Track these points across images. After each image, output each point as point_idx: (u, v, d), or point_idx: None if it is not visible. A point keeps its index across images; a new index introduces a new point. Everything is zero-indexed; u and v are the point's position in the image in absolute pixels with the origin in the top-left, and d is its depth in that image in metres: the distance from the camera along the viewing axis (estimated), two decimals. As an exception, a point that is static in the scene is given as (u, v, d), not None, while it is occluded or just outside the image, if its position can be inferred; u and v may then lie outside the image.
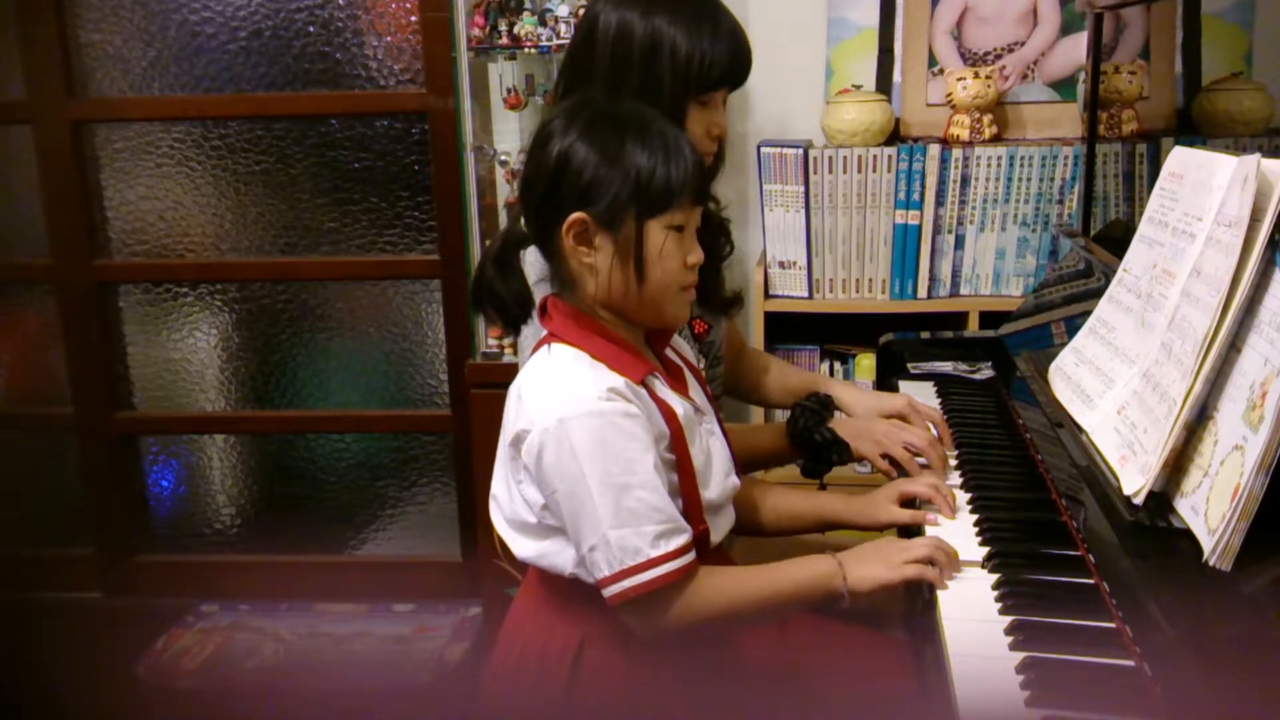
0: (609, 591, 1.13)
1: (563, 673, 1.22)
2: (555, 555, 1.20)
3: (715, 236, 1.54)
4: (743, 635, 1.31)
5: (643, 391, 1.18)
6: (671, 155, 1.17)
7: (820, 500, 1.43)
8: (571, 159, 1.16)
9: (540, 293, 1.28)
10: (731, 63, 1.41)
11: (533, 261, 1.32)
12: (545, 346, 1.22)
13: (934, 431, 1.54)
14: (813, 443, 1.49)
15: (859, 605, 1.20)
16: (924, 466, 1.45)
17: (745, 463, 1.50)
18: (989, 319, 2.14)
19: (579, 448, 1.12)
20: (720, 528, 1.28)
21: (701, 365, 1.54)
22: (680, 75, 1.38)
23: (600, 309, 1.21)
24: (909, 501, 1.37)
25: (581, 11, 2.26)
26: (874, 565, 1.18)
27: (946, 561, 1.17)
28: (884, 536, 1.30)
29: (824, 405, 1.52)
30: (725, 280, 1.58)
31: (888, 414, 1.58)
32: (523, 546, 1.23)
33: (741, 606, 1.19)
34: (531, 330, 1.30)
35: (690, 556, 1.15)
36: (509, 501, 1.23)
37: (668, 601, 1.14)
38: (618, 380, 1.16)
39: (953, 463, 1.49)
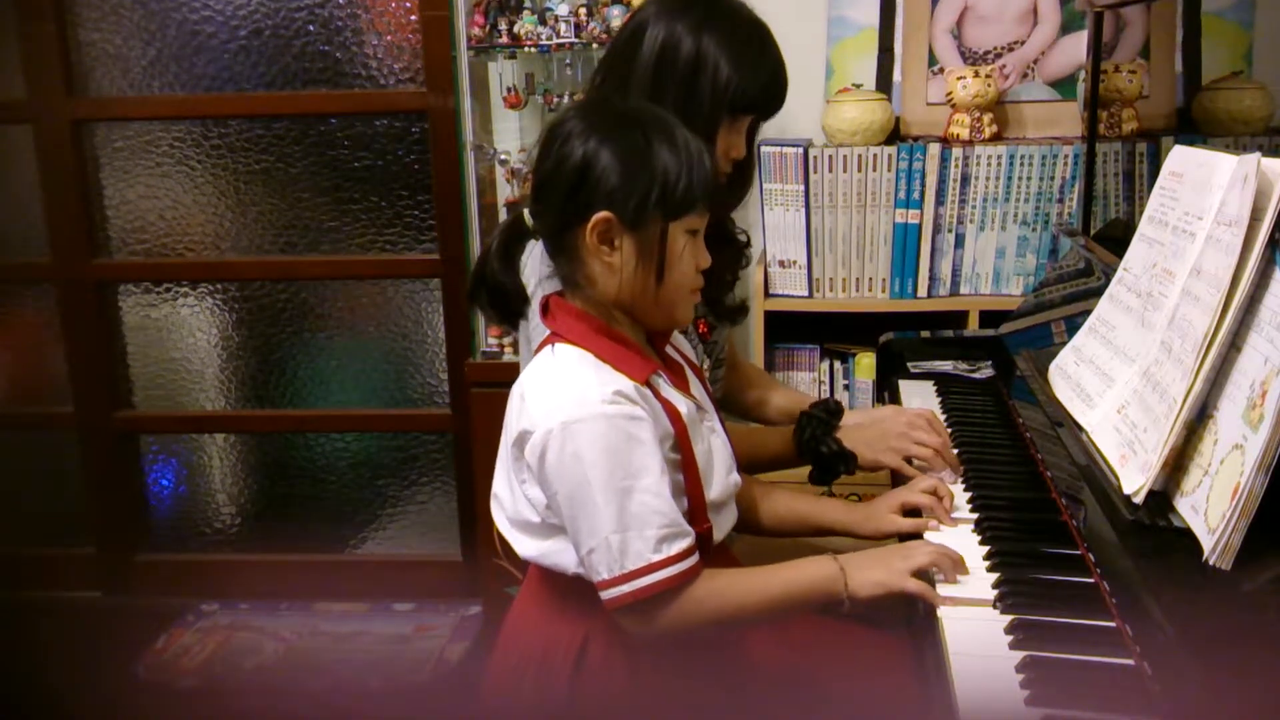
0: (608, 594, 1.13)
1: (566, 670, 1.22)
2: (559, 554, 1.20)
3: (732, 258, 1.54)
4: (744, 634, 1.31)
5: (648, 392, 1.18)
6: (694, 161, 1.17)
7: (821, 507, 1.43)
8: (599, 159, 1.15)
9: (545, 291, 1.28)
10: (767, 93, 1.43)
11: (536, 259, 1.31)
12: (549, 347, 1.21)
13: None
14: (819, 454, 1.48)
15: (859, 609, 1.20)
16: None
17: (751, 465, 1.50)
18: (989, 318, 2.14)
19: (583, 451, 1.11)
20: (723, 526, 1.28)
21: (706, 366, 1.54)
22: (719, 96, 1.39)
23: (612, 308, 1.21)
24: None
25: (583, 10, 2.27)
26: (875, 570, 1.18)
27: (950, 567, 1.17)
28: (886, 543, 1.30)
29: (832, 414, 1.51)
30: (736, 290, 1.59)
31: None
32: (526, 545, 1.23)
33: (740, 610, 1.19)
34: (535, 328, 1.30)
35: (693, 560, 1.15)
36: (511, 501, 1.23)
37: (666, 606, 1.14)
38: (623, 383, 1.16)
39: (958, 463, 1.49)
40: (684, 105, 1.37)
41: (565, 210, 1.18)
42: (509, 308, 1.28)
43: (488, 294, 1.26)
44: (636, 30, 1.42)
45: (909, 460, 1.46)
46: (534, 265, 1.35)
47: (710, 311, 1.54)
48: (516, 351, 2.39)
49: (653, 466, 1.13)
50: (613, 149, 1.16)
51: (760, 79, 1.41)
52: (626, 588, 1.12)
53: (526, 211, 1.24)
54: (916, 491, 1.35)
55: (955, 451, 1.50)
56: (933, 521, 1.31)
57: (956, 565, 1.17)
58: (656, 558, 1.12)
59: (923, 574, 1.17)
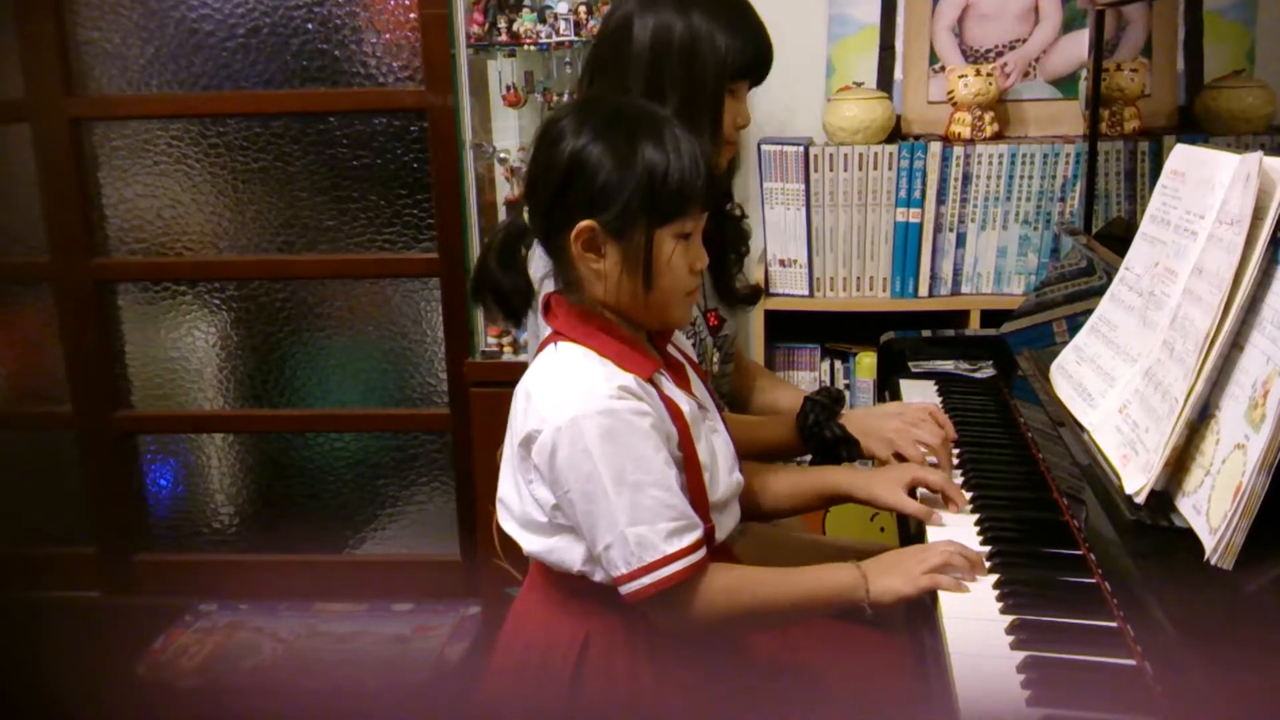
0: (627, 589, 1.13)
1: (567, 669, 1.22)
2: (565, 551, 1.20)
3: (734, 235, 1.55)
4: (746, 634, 1.31)
5: (652, 390, 1.18)
6: (685, 162, 1.15)
7: (821, 472, 1.42)
8: (584, 163, 1.14)
9: (546, 288, 1.27)
10: (758, 53, 1.48)
11: (539, 256, 1.31)
12: (551, 345, 1.21)
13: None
14: (822, 438, 1.48)
15: (879, 616, 1.19)
16: (933, 465, 1.44)
17: (752, 455, 1.50)
18: (990, 317, 2.14)
19: (593, 446, 1.11)
20: (726, 525, 1.27)
21: (715, 360, 1.54)
22: (721, 66, 1.44)
23: (606, 310, 1.21)
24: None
25: (582, 8, 2.27)
26: (894, 578, 1.17)
27: (966, 567, 1.16)
28: (881, 515, 1.29)
29: (835, 400, 1.52)
30: (744, 275, 1.60)
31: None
32: (532, 542, 1.23)
33: (765, 606, 1.20)
34: (542, 324, 1.30)
35: (703, 552, 1.15)
36: (519, 503, 1.23)
37: (688, 597, 1.14)
38: (628, 378, 1.16)
39: (954, 461, 1.48)
40: (686, 85, 1.42)
41: (552, 214, 1.18)
42: (511, 306, 1.27)
43: (490, 292, 1.26)
44: (622, 25, 1.45)
45: (899, 457, 1.45)
46: (537, 262, 1.35)
47: (722, 301, 1.55)
48: (516, 351, 2.39)
49: (660, 459, 1.13)
50: (597, 154, 1.14)
51: (754, 42, 1.47)
52: (645, 580, 1.12)
53: (527, 210, 1.24)
54: (934, 473, 1.35)
55: (956, 451, 1.49)
56: (937, 514, 1.30)
57: (974, 566, 1.16)
58: (669, 550, 1.12)
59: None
